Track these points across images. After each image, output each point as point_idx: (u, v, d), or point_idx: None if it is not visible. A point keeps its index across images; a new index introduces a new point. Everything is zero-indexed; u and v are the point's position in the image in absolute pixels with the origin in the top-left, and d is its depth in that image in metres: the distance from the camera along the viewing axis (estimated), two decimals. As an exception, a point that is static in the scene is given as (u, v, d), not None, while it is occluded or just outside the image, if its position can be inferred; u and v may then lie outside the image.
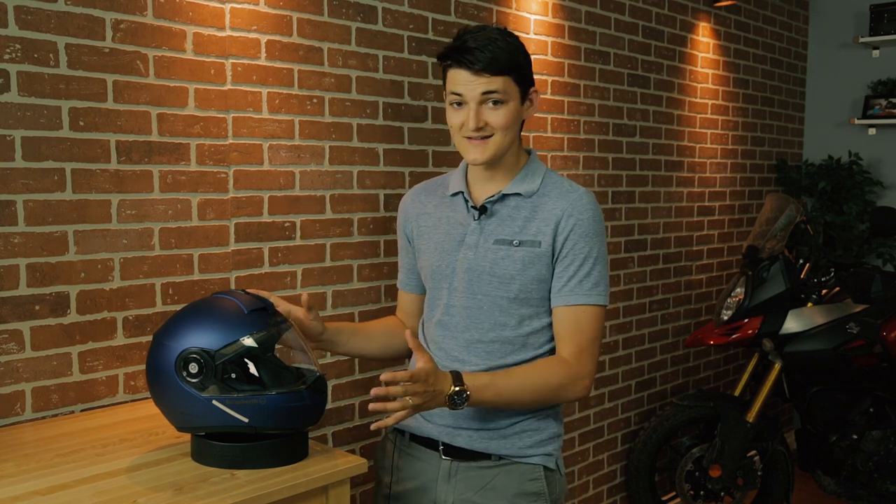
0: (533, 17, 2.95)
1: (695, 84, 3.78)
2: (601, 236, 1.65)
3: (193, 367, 1.45)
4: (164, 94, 1.97)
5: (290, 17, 2.22)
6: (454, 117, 1.61)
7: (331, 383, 2.36)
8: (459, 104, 1.60)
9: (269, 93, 2.18)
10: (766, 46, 4.29)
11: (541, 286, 1.64)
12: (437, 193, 1.78)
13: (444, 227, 1.72)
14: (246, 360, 1.49)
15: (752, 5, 4.14)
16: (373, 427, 1.48)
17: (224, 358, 1.46)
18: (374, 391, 1.43)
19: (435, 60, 2.60)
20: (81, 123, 1.83)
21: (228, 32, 2.09)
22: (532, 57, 2.93)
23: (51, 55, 1.78)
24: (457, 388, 1.49)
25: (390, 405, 1.44)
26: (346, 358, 2.39)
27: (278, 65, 2.20)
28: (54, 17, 1.78)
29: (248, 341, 1.48)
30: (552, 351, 1.68)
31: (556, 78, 3.06)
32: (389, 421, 1.46)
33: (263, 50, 2.16)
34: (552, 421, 1.72)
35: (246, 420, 1.46)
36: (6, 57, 1.72)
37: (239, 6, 2.10)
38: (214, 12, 2.05)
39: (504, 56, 1.55)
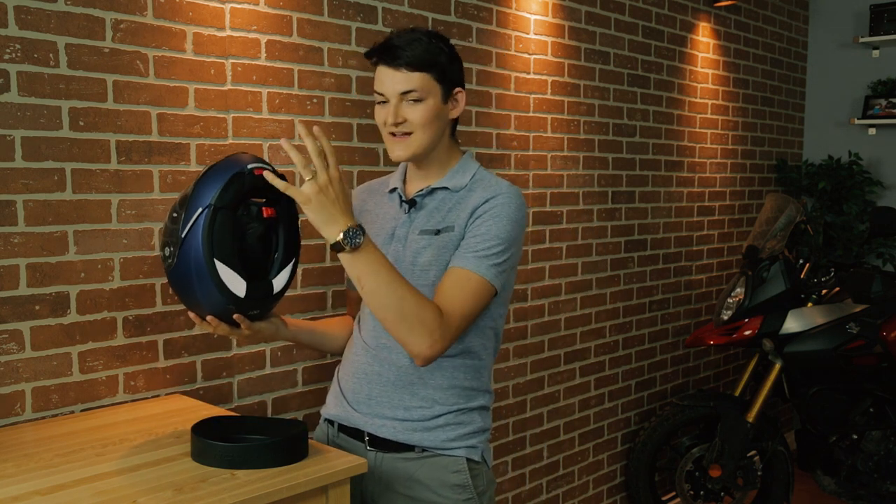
0: (533, 17, 2.95)
1: (695, 84, 3.78)
2: (514, 223, 1.64)
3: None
4: (164, 94, 1.97)
5: (290, 17, 2.22)
6: (379, 114, 1.67)
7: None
8: (383, 102, 1.66)
9: (269, 93, 2.18)
10: (766, 46, 4.29)
11: None
12: (378, 191, 1.85)
13: (379, 221, 1.79)
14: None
15: (752, 5, 4.14)
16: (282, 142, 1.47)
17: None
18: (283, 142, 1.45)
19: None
20: (81, 123, 1.83)
21: (228, 32, 2.09)
22: (532, 57, 2.96)
23: (51, 55, 1.78)
24: (356, 227, 1.46)
25: (294, 156, 1.42)
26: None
27: (278, 65, 2.20)
28: (54, 17, 1.78)
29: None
30: (479, 348, 1.72)
31: (556, 78, 3.06)
32: (279, 183, 1.45)
33: (263, 50, 2.16)
34: (477, 416, 1.74)
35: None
36: (6, 57, 1.72)
37: (239, 6, 2.10)
38: (214, 12, 2.05)
39: (423, 55, 1.61)
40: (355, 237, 1.45)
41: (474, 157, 1.78)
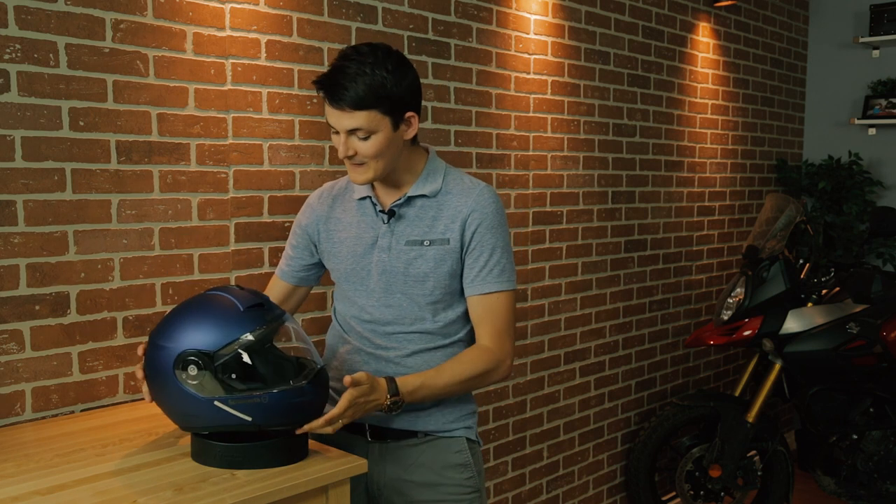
0: (533, 17, 2.95)
1: (695, 84, 3.78)
2: (503, 226, 1.75)
3: (192, 370, 1.45)
4: (164, 94, 1.97)
5: (290, 17, 2.22)
6: (334, 142, 1.68)
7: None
8: (336, 132, 1.66)
9: (269, 93, 2.18)
10: (766, 46, 4.29)
11: (452, 280, 1.73)
12: (343, 198, 1.84)
13: (354, 230, 1.78)
14: (245, 359, 1.48)
15: (752, 5, 4.14)
16: (298, 431, 1.54)
17: (223, 359, 1.45)
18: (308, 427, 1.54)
19: (434, 60, 2.61)
20: (81, 123, 1.84)
21: (228, 32, 2.09)
22: (532, 57, 2.96)
23: (51, 55, 1.78)
24: (393, 399, 1.61)
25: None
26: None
27: (278, 65, 2.20)
28: (54, 17, 1.78)
29: (247, 339, 1.47)
30: (468, 336, 1.79)
31: (556, 78, 3.06)
32: (323, 430, 1.56)
33: (263, 50, 2.16)
34: (470, 397, 1.84)
35: (249, 419, 1.46)
36: (6, 57, 1.72)
37: (239, 6, 2.10)
38: (214, 12, 2.05)
39: (365, 93, 1.58)
40: (399, 405, 1.62)
41: (436, 155, 1.79)
